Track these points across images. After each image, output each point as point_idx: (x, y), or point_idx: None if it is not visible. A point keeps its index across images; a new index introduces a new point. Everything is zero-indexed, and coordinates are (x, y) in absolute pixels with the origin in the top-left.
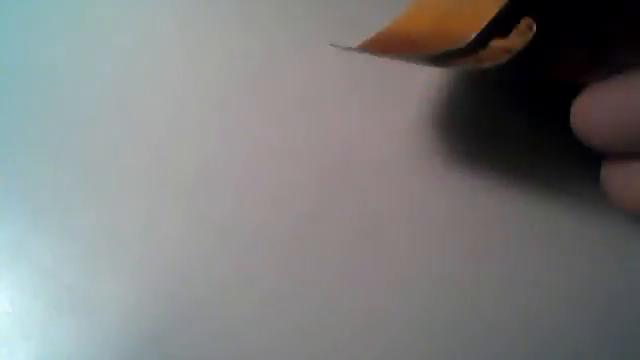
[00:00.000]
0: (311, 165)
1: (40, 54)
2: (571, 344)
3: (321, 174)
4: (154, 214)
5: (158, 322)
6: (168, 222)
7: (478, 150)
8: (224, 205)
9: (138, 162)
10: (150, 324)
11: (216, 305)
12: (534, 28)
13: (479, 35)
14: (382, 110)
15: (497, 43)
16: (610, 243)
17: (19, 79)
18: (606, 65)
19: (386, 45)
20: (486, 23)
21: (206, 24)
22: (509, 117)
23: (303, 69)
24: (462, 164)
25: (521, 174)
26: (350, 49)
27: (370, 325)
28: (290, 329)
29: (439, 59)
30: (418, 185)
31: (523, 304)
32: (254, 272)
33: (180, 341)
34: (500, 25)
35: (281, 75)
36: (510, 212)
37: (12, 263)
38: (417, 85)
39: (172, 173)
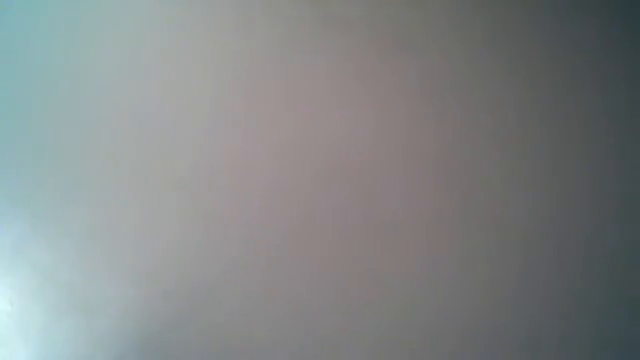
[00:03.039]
0: (305, 164)
1: (39, 59)
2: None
3: (316, 173)
4: (150, 216)
5: (156, 321)
6: (164, 223)
7: (477, 150)
8: (219, 205)
9: (134, 165)
10: (148, 323)
11: (213, 303)
12: None
13: None
14: (377, 109)
15: None
16: None
17: (18, 82)
18: None
19: None
20: None
21: (200, 25)
22: (509, 117)
23: (297, 69)
24: (461, 164)
25: (521, 172)
26: None
27: (364, 319)
28: (286, 325)
29: None
30: (414, 184)
31: (519, 307)
32: (250, 270)
33: (178, 339)
34: None
35: (275, 75)
36: (508, 212)
37: (11, 264)
38: (414, 85)
39: (167, 175)
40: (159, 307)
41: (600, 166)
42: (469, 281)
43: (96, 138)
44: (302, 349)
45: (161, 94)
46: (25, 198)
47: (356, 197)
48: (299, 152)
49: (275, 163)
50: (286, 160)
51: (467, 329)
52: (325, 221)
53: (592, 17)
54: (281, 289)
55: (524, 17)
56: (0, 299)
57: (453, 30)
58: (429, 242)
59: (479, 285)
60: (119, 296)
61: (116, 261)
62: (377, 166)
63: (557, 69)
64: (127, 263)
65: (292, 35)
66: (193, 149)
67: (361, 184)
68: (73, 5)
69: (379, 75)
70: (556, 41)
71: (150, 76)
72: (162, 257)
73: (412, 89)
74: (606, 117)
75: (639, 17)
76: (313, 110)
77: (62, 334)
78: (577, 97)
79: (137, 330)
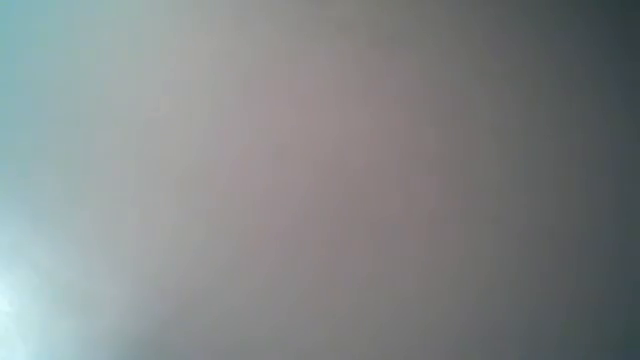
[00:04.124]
0: (305, 164)
1: (38, 59)
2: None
3: (315, 173)
4: (149, 216)
5: (155, 321)
6: (163, 223)
7: (477, 151)
8: (218, 205)
9: (133, 165)
10: (147, 323)
11: (212, 303)
12: None
13: None
14: (377, 110)
15: None
16: None
17: (18, 81)
18: None
19: None
20: None
21: (199, 25)
22: (509, 118)
23: (296, 68)
24: (461, 164)
25: (521, 173)
26: None
27: (361, 319)
28: (285, 326)
29: None
30: (414, 185)
31: (518, 304)
32: (248, 270)
33: (177, 339)
34: None
35: (273, 74)
36: (508, 212)
37: (11, 264)
38: (415, 85)
39: (166, 175)
40: (159, 307)
41: (601, 167)
42: (469, 282)
43: (95, 137)
44: (301, 350)
45: (160, 94)
46: (25, 197)
47: (355, 198)
48: (298, 152)
49: (274, 163)
50: (285, 160)
51: (467, 330)
52: (324, 222)
53: (595, 16)
54: (280, 290)
55: (525, 17)
56: (0, 299)
57: (454, 30)
58: (429, 243)
59: (479, 286)
60: (119, 296)
61: (116, 261)
62: (377, 166)
63: (559, 69)
64: (127, 263)
65: (291, 35)
66: (192, 149)
67: (360, 184)
68: (73, 5)
69: (379, 75)
70: (558, 41)
71: (149, 76)
72: (161, 257)
73: (412, 89)
74: (609, 118)
75: None
76: (313, 110)
77: (61, 334)
78: (579, 98)
79: (136, 330)
